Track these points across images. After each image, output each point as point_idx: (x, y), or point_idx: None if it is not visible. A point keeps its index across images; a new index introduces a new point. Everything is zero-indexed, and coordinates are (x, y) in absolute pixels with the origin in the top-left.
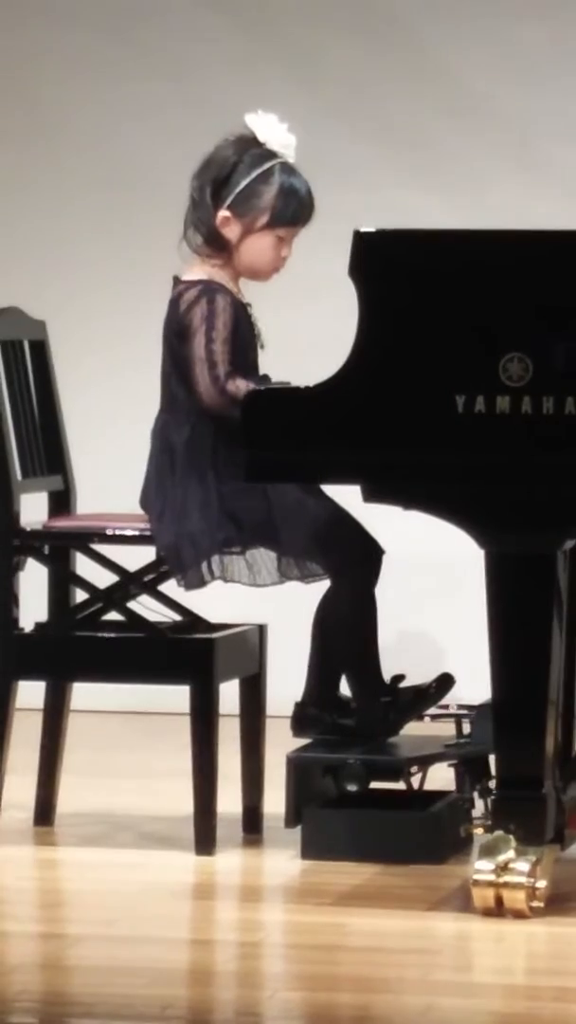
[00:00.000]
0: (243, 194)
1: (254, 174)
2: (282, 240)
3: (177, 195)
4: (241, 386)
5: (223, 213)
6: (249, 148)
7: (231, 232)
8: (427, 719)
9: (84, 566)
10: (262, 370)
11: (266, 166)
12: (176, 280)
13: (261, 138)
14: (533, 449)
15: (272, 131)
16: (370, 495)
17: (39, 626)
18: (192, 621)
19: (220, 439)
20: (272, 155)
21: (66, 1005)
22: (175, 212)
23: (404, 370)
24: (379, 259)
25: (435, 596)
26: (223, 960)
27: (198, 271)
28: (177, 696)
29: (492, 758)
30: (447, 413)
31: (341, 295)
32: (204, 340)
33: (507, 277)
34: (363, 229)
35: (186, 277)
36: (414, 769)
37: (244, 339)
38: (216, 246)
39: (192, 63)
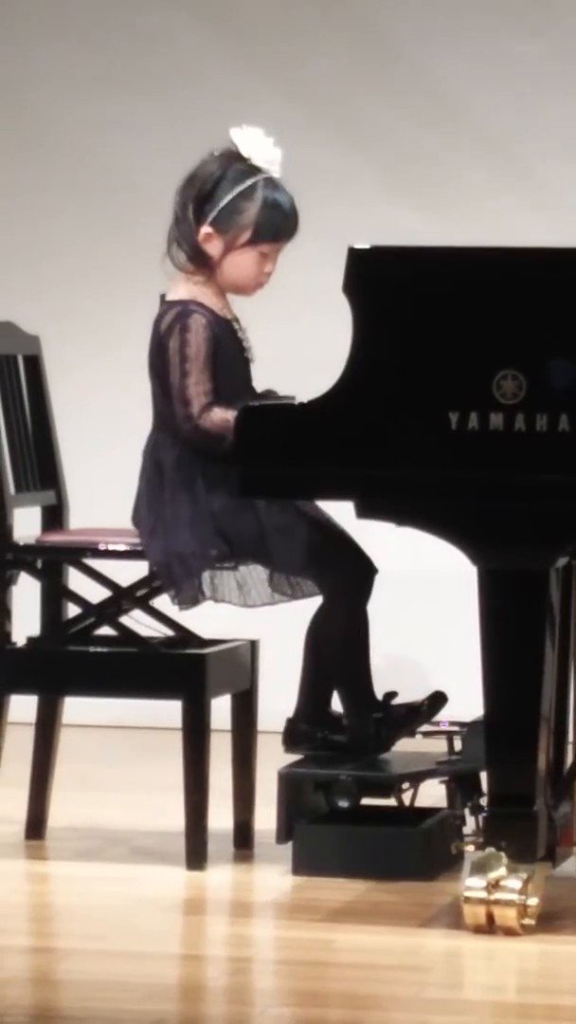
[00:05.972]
0: (225, 210)
1: (236, 190)
2: (265, 256)
3: (170, 209)
4: (216, 419)
5: (205, 229)
6: (232, 163)
7: (213, 248)
8: (419, 736)
9: (77, 581)
10: (255, 384)
11: (249, 182)
12: (162, 299)
13: (245, 153)
14: (527, 467)
15: (256, 146)
16: (363, 511)
17: (32, 640)
18: (184, 636)
19: (209, 457)
20: (256, 170)
21: (56, 1020)
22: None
23: (398, 387)
24: (373, 276)
25: (428, 613)
26: (214, 976)
27: (181, 289)
28: (169, 711)
29: (484, 775)
30: (441, 430)
31: (333, 310)
32: (178, 374)
33: (501, 294)
34: (357, 246)
35: (170, 296)
36: (405, 785)
37: (229, 356)
38: (199, 262)
39: (182, 76)
